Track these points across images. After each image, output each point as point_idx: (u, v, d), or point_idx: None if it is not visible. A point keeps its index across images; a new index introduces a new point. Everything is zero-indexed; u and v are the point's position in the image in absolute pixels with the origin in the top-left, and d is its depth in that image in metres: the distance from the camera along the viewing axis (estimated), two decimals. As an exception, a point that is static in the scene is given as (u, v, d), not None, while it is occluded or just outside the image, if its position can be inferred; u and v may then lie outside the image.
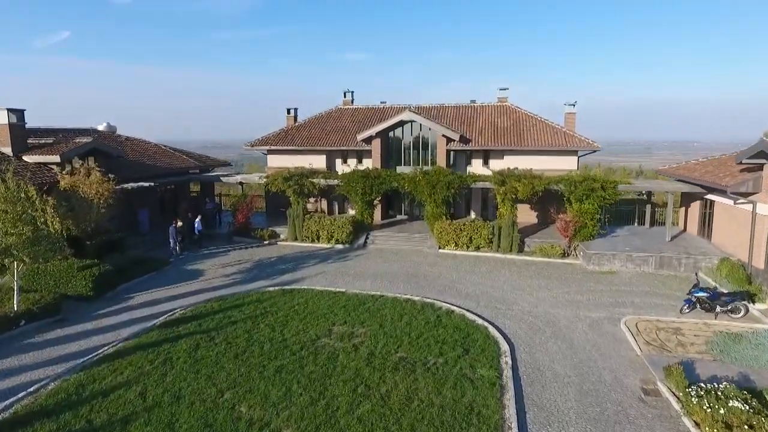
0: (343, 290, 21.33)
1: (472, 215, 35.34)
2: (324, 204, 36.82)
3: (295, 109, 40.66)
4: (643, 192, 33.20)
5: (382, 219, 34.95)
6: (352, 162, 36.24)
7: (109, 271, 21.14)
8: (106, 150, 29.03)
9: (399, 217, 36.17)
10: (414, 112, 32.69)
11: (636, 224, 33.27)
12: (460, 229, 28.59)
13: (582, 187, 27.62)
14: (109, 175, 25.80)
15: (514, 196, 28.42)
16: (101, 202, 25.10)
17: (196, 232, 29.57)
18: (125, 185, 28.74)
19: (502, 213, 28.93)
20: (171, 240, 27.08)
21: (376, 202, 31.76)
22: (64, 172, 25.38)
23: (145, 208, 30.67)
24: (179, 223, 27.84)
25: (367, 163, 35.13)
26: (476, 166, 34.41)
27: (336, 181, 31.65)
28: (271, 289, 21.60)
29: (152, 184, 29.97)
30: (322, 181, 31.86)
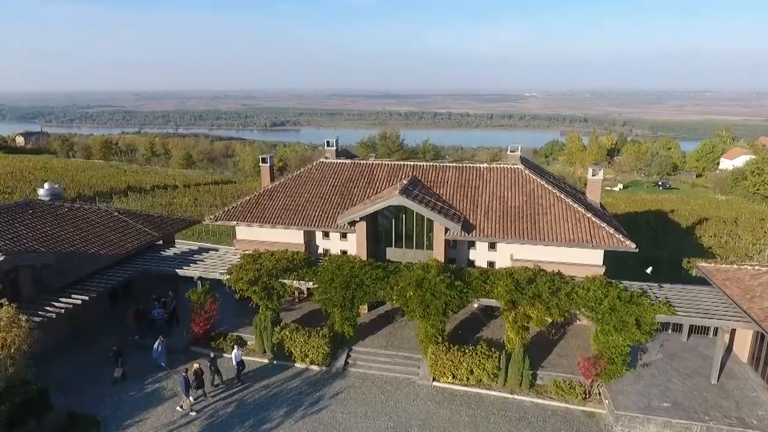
0: None
1: (475, 305, 30.24)
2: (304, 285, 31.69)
3: (271, 157, 34.91)
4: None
5: (369, 310, 29.84)
6: (335, 237, 30.81)
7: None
8: (28, 263, 23.79)
9: (389, 304, 30.91)
10: (404, 195, 26.81)
11: (669, 327, 27.92)
12: (459, 360, 23.56)
13: (612, 319, 22.35)
14: (21, 316, 20.76)
15: (526, 324, 23.33)
16: (12, 352, 20.33)
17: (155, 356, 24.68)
18: (51, 307, 23.77)
19: (511, 338, 23.88)
20: (184, 395, 21.69)
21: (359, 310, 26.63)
22: (-38, 316, 20.33)
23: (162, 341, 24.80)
24: (195, 366, 22.56)
25: (352, 239, 29.74)
26: (481, 250, 28.96)
27: (311, 283, 26.45)
28: None
29: (86, 297, 24.84)
30: (295, 283, 26.66)
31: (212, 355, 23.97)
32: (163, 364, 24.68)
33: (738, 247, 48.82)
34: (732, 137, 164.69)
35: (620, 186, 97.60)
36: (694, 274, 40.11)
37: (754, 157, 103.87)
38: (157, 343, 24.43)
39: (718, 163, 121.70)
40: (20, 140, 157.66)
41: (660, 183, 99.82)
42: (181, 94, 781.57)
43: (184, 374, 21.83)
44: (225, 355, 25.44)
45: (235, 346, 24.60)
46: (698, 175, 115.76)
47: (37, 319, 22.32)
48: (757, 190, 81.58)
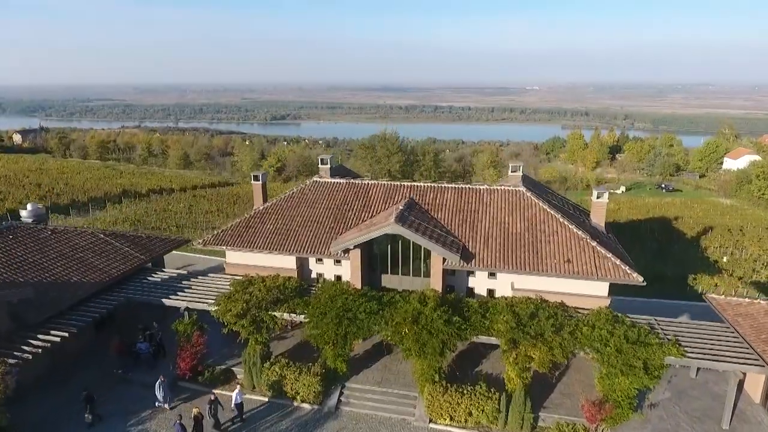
0: None
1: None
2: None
3: (263, 174, 33.50)
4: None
5: (363, 339, 28.62)
6: (329, 261, 29.59)
7: None
8: (6, 299, 22.62)
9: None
10: (400, 222, 25.55)
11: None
12: (458, 401, 22.43)
13: (619, 362, 21.19)
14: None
15: (528, 365, 22.19)
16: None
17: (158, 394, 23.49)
18: (29, 345, 22.61)
19: (512, 378, 22.73)
20: None
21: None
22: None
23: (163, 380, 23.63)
24: (195, 410, 21.56)
25: (347, 264, 28.53)
26: (480, 278, 27.69)
27: (302, 317, 25.31)
28: None
29: (67, 334, 23.68)
30: (285, 316, 25.53)
31: (213, 397, 22.68)
32: (166, 406, 23.50)
33: (744, 259, 47.57)
34: (735, 135, 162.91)
35: (623, 188, 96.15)
36: (700, 290, 39.04)
37: (759, 158, 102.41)
38: (158, 382, 23.16)
39: (722, 164, 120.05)
40: (17, 138, 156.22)
41: (663, 185, 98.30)
42: (181, 87, 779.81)
43: (179, 421, 20.67)
44: (214, 391, 24.26)
45: (238, 386, 23.37)
46: (701, 176, 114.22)
47: (12, 360, 21.19)
48: (763, 194, 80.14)
